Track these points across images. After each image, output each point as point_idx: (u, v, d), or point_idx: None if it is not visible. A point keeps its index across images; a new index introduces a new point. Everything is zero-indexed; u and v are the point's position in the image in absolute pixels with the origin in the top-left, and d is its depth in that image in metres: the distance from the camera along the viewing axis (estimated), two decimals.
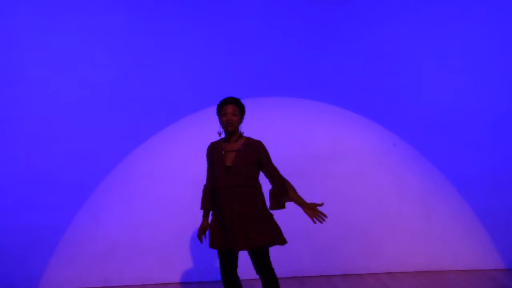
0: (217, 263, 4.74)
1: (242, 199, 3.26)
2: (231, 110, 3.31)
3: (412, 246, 4.89)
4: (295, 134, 4.83)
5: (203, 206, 3.50)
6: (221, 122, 3.35)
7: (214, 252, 4.74)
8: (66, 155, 4.63)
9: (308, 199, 4.81)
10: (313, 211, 3.31)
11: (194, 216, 4.73)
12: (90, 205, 4.68)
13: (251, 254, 3.31)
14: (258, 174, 3.38)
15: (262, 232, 3.24)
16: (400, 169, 4.93)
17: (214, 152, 3.40)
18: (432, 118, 4.92)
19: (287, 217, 4.69)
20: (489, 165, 4.93)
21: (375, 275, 4.80)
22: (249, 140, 3.37)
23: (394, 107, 4.91)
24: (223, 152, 3.33)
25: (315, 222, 3.32)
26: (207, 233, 3.53)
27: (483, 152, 4.93)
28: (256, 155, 3.31)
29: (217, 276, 4.74)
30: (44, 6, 4.64)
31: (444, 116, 4.93)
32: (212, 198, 3.43)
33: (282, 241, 3.34)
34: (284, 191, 3.35)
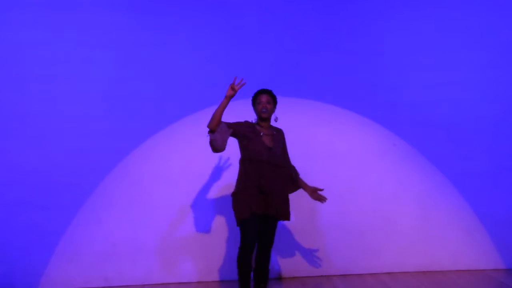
0: (216, 264, 4.75)
1: (282, 177, 3.77)
2: (265, 99, 3.74)
3: (412, 246, 4.89)
4: (295, 134, 4.82)
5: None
6: (256, 110, 3.78)
7: (214, 252, 4.75)
8: (66, 155, 4.63)
9: (308, 199, 4.82)
10: (314, 193, 3.90)
11: (194, 216, 4.74)
12: (90, 205, 4.68)
13: (272, 225, 3.75)
14: None
15: (288, 210, 3.79)
16: (400, 169, 4.93)
17: (251, 129, 3.74)
18: (432, 118, 4.92)
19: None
20: (489, 165, 4.93)
21: (375, 275, 4.80)
22: (275, 127, 3.88)
23: (394, 107, 4.91)
24: (262, 134, 3.73)
25: (323, 201, 3.91)
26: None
27: (483, 152, 4.93)
28: (283, 141, 3.89)
29: (217, 276, 4.75)
30: (44, 5, 4.64)
31: (444, 116, 4.93)
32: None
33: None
34: (293, 179, 3.90)
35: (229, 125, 3.67)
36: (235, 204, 3.69)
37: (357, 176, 4.88)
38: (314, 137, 4.86)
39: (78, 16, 4.68)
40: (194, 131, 4.72)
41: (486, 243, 4.93)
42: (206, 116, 4.48)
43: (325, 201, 3.89)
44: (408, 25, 4.92)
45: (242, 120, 3.79)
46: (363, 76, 4.89)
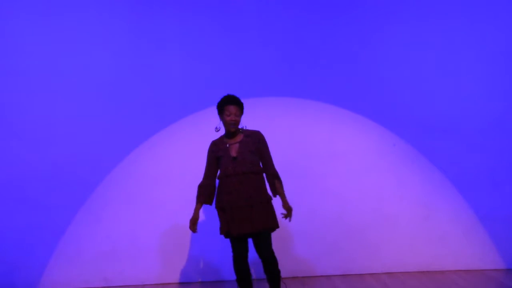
0: (216, 264, 4.75)
1: (249, 184, 3.51)
2: (234, 111, 3.52)
3: (412, 246, 4.88)
4: (295, 134, 4.83)
5: (198, 200, 3.70)
6: (224, 120, 3.55)
7: (214, 252, 4.75)
8: (66, 155, 4.64)
9: (308, 199, 4.84)
10: (287, 211, 3.64)
11: None
12: (90, 205, 4.68)
13: (255, 237, 3.54)
14: (259, 161, 3.65)
15: (265, 217, 3.52)
16: (400, 169, 4.93)
17: (218, 147, 3.61)
18: (432, 118, 4.92)
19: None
20: (489, 165, 4.92)
21: (375, 275, 4.80)
22: (248, 131, 3.65)
23: (394, 107, 4.91)
24: (228, 145, 3.56)
25: (284, 218, 3.66)
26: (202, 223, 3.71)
27: (483, 152, 4.92)
28: (257, 143, 3.60)
29: (217, 276, 4.76)
30: (44, 6, 4.64)
31: (444, 116, 4.92)
32: (210, 192, 3.68)
33: (277, 225, 3.62)
34: (272, 185, 3.66)
35: (209, 174, 3.68)
36: None
37: (357, 176, 4.87)
38: (314, 137, 4.85)
39: (77, 17, 4.69)
40: (194, 131, 4.73)
41: (486, 243, 4.92)
42: (206, 116, 4.51)
43: (286, 218, 3.68)
44: (408, 25, 4.91)
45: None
46: (363, 76, 4.89)
